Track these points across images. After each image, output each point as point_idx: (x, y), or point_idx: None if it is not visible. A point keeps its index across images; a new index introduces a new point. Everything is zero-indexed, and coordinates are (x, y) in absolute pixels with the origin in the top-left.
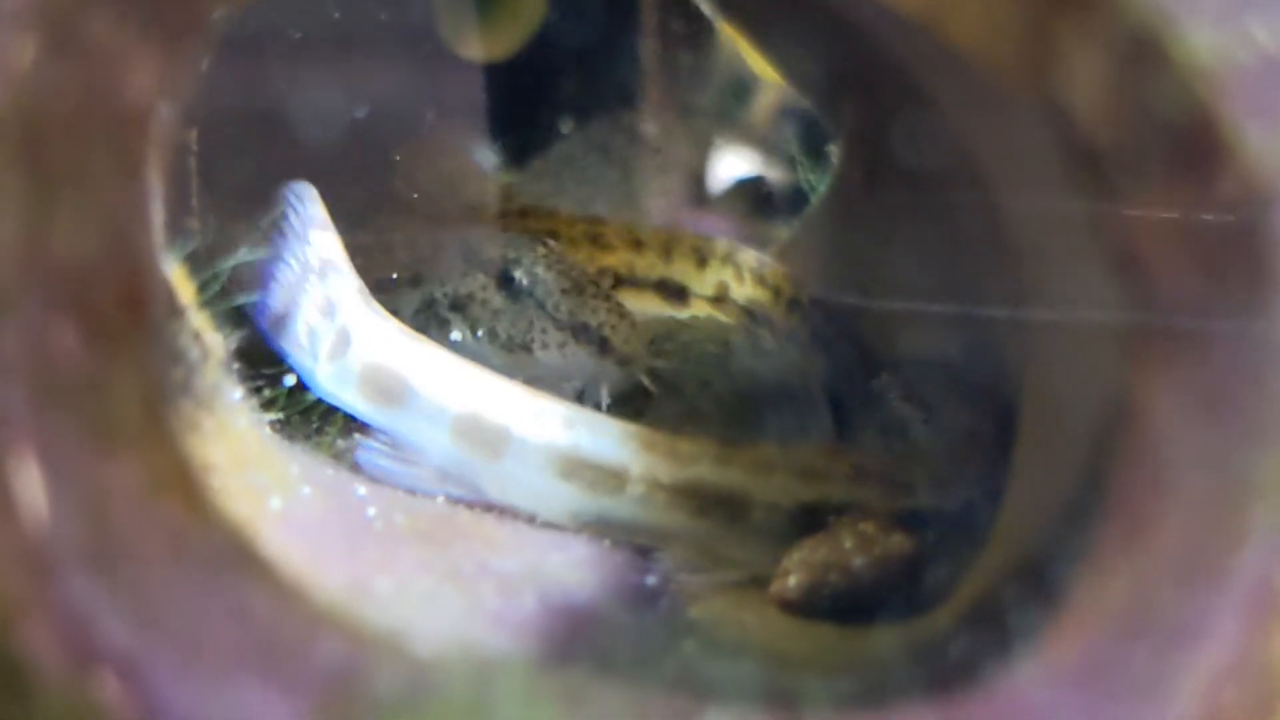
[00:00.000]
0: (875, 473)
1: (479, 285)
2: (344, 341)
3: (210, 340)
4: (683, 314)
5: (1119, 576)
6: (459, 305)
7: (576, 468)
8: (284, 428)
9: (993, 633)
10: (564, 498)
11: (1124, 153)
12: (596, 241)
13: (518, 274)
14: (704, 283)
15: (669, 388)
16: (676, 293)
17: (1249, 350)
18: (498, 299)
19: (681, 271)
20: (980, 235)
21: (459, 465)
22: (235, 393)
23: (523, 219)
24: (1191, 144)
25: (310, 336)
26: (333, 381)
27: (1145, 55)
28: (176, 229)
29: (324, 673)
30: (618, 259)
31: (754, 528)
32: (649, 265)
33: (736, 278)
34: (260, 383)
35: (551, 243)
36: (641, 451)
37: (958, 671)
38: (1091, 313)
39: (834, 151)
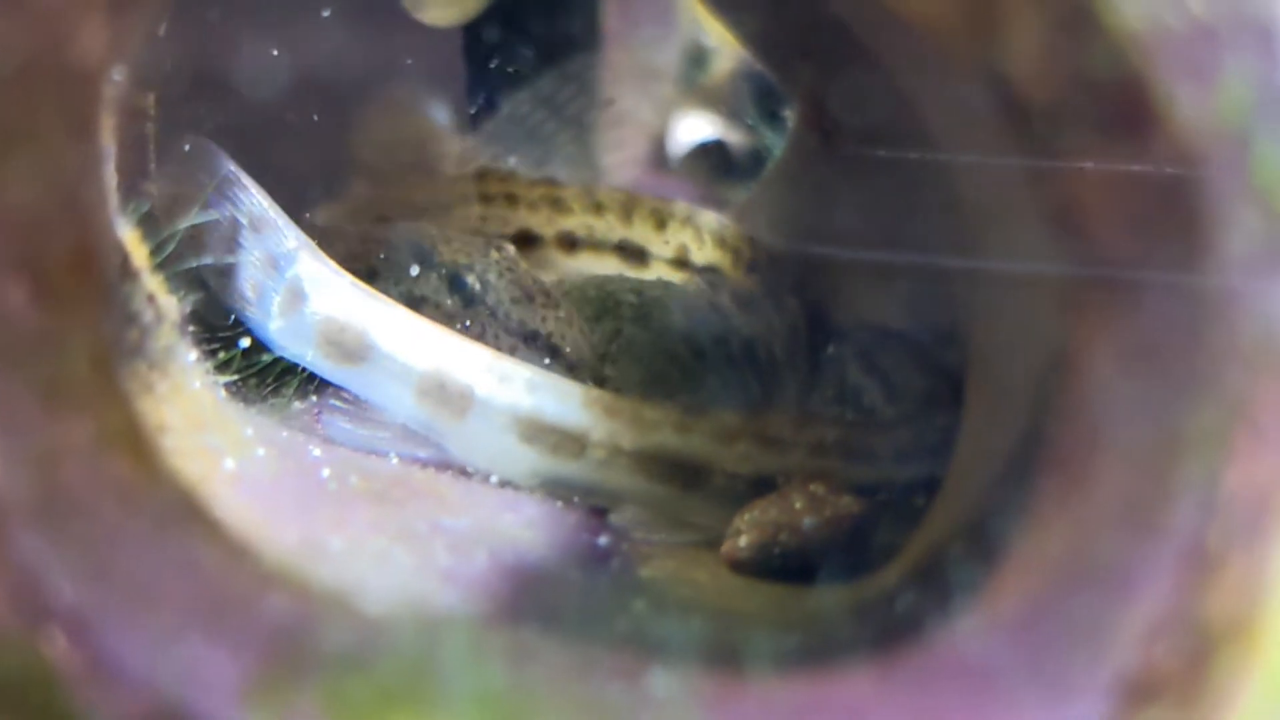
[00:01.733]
0: (836, 443)
1: (431, 288)
2: (298, 296)
3: (164, 303)
4: (643, 275)
5: (1057, 529)
6: (412, 305)
7: (539, 431)
8: (239, 390)
9: (936, 588)
10: (525, 460)
11: (1060, 115)
12: (556, 204)
13: (470, 279)
14: (664, 245)
15: (626, 361)
16: (636, 254)
17: (1183, 305)
18: (449, 302)
19: (641, 234)
20: (929, 196)
21: (422, 425)
22: (190, 355)
23: (481, 181)
24: (1124, 107)
25: (258, 291)
26: (289, 337)
27: (1080, 20)
28: (132, 193)
29: (271, 629)
30: (577, 221)
31: (714, 494)
32: (608, 227)
33: (696, 240)
34: (215, 345)
35: (506, 248)
36: (604, 417)
37: (902, 627)
38: (1031, 268)
39: (790, 115)
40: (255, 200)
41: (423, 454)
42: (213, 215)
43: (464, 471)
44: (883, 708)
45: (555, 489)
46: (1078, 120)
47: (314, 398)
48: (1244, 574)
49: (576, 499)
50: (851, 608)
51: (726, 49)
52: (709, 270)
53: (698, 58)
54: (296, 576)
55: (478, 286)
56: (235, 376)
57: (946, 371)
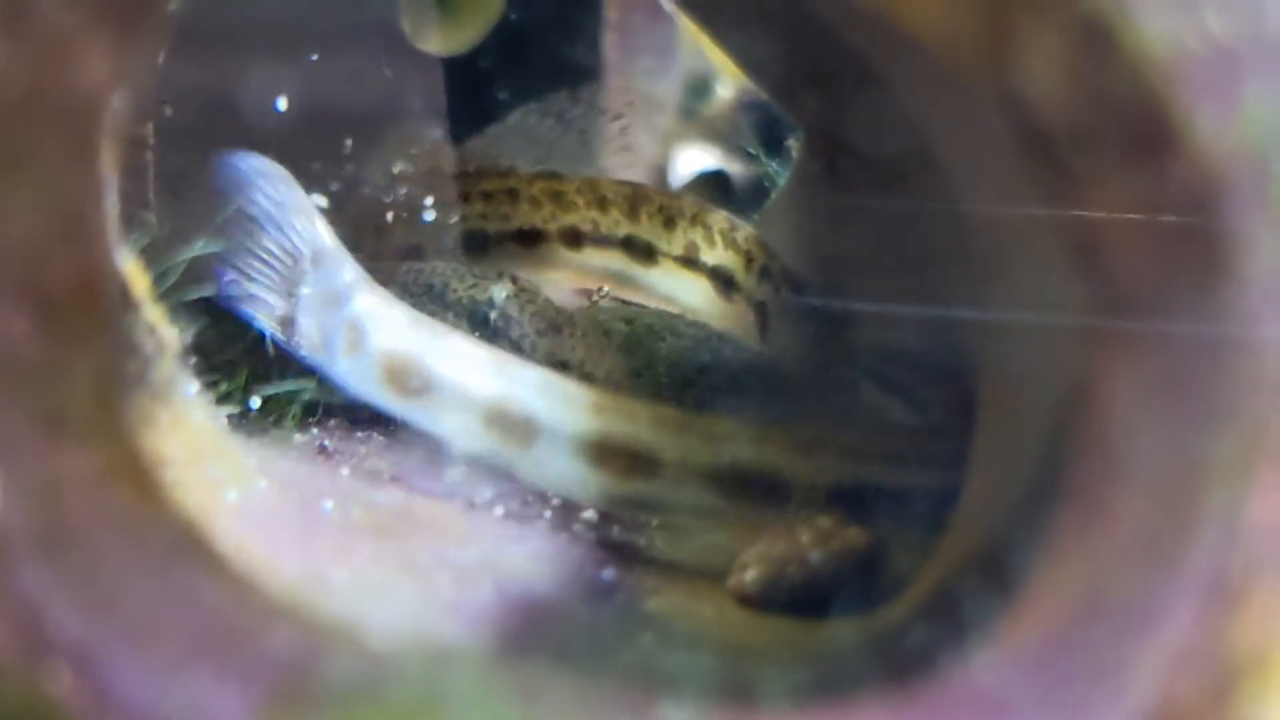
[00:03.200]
0: (907, 452)
1: (451, 323)
2: (360, 333)
3: (165, 334)
4: (651, 273)
5: (1075, 563)
6: None
7: (609, 454)
8: (241, 421)
9: (950, 622)
10: (598, 484)
11: (1078, 139)
12: (558, 199)
13: (492, 315)
14: (672, 242)
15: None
16: (644, 250)
17: (1205, 334)
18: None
19: (649, 230)
20: (940, 225)
21: (490, 454)
22: (191, 386)
23: (479, 180)
24: (1144, 131)
25: (323, 332)
26: (355, 377)
27: (1099, 42)
28: (132, 222)
29: (278, 662)
30: (580, 216)
31: (792, 508)
32: (614, 222)
33: (706, 240)
34: (216, 376)
35: (520, 279)
36: (674, 435)
37: (915, 662)
38: (1049, 300)
39: (795, 144)
40: (319, 228)
41: (499, 486)
42: (260, 248)
43: (470, 503)
44: None
45: (634, 510)
46: (1097, 144)
47: (315, 430)
48: (1267, 605)
49: (655, 519)
50: (862, 642)
51: (728, 79)
52: (719, 272)
53: (698, 88)
54: (301, 609)
55: (500, 321)
56: (236, 408)
57: (959, 397)
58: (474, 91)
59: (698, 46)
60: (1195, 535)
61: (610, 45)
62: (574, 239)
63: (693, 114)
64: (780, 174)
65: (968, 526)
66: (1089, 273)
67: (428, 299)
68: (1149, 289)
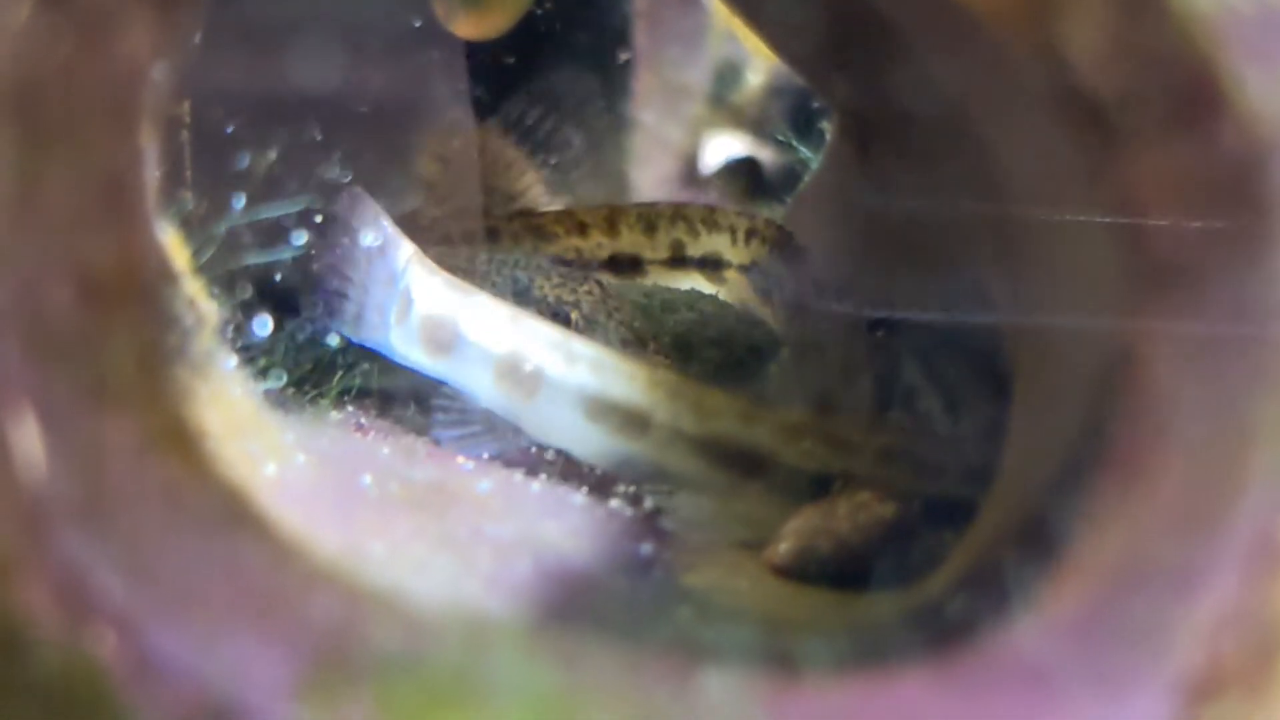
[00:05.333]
0: (903, 452)
1: None
2: (407, 303)
3: (204, 307)
4: (641, 285)
5: (1118, 529)
6: None
7: (604, 409)
8: (278, 397)
9: (990, 592)
10: (593, 438)
11: (1124, 103)
12: (538, 233)
13: (574, 315)
14: (656, 247)
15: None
16: (630, 264)
17: (1249, 296)
18: None
19: (631, 242)
20: (976, 198)
21: (501, 407)
22: (229, 360)
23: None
24: (1191, 93)
25: (380, 312)
26: (402, 343)
27: (1145, 3)
28: (170, 198)
29: (320, 629)
30: (562, 246)
31: (772, 487)
32: (596, 245)
33: (689, 233)
34: (254, 351)
35: (605, 284)
36: (667, 398)
37: (955, 631)
38: (1089, 266)
39: (827, 128)
40: (379, 220)
41: (510, 441)
42: (342, 264)
43: (508, 479)
44: (940, 708)
45: (622, 469)
46: (1142, 108)
47: (350, 407)
48: None
49: (643, 482)
50: (900, 613)
51: (758, 65)
52: (706, 260)
53: (728, 75)
54: (343, 576)
55: (582, 324)
56: (274, 384)
57: (996, 370)
58: (500, 80)
59: (728, 32)
60: (1239, 499)
61: (640, 33)
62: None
63: (722, 101)
64: (812, 159)
65: (1007, 496)
66: (1131, 243)
67: (512, 292)
68: (1193, 254)
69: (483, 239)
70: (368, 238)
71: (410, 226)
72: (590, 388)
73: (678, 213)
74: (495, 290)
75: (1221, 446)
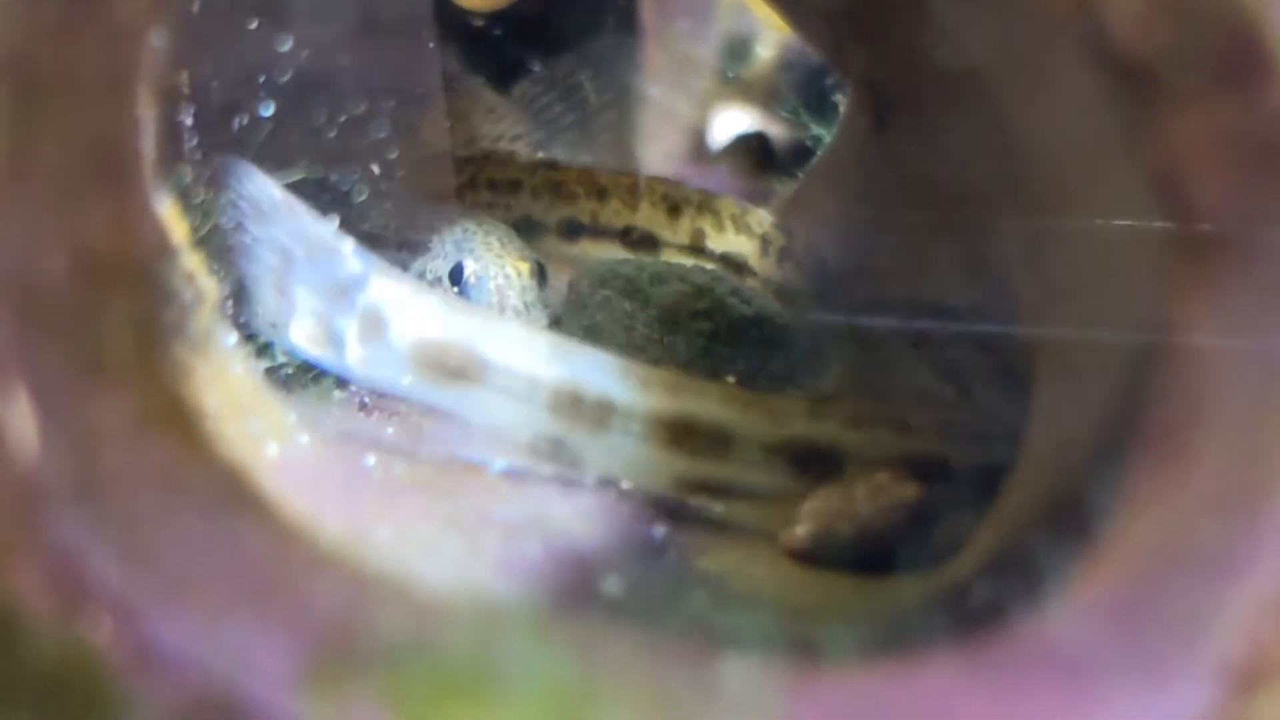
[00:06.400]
0: (960, 428)
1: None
2: (377, 323)
3: (204, 283)
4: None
5: (1155, 511)
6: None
7: (686, 435)
8: (279, 376)
9: (1019, 576)
10: (671, 467)
11: (1165, 62)
12: (558, 190)
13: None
14: (677, 231)
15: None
16: (644, 241)
17: None
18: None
19: (649, 219)
20: (998, 168)
21: (553, 440)
22: (229, 338)
23: (484, 166)
24: (1236, 52)
25: (325, 325)
26: (372, 365)
27: None
28: (168, 170)
29: (325, 616)
30: (579, 208)
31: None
32: (613, 213)
33: (715, 226)
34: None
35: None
36: (742, 412)
37: (983, 616)
38: (1123, 233)
39: (839, 101)
40: (309, 225)
41: (561, 470)
42: (256, 248)
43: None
44: (970, 696)
45: (696, 492)
46: (1185, 67)
47: (353, 387)
48: None
49: (716, 499)
50: (923, 598)
51: (767, 39)
52: (729, 259)
53: (737, 50)
54: (348, 561)
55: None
56: (274, 362)
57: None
58: (506, 53)
59: (738, 5)
60: None
61: (648, 7)
62: (571, 231)
63: (732, 76)
64: (823, 134)
65: (1033, 478)
66: (1170, 205)
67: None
68: (1235, 222)
69: (453, 197)
70: (276, 230)
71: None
72: (670, 413)
73: (706, 203)
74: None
75: (1263, 425)
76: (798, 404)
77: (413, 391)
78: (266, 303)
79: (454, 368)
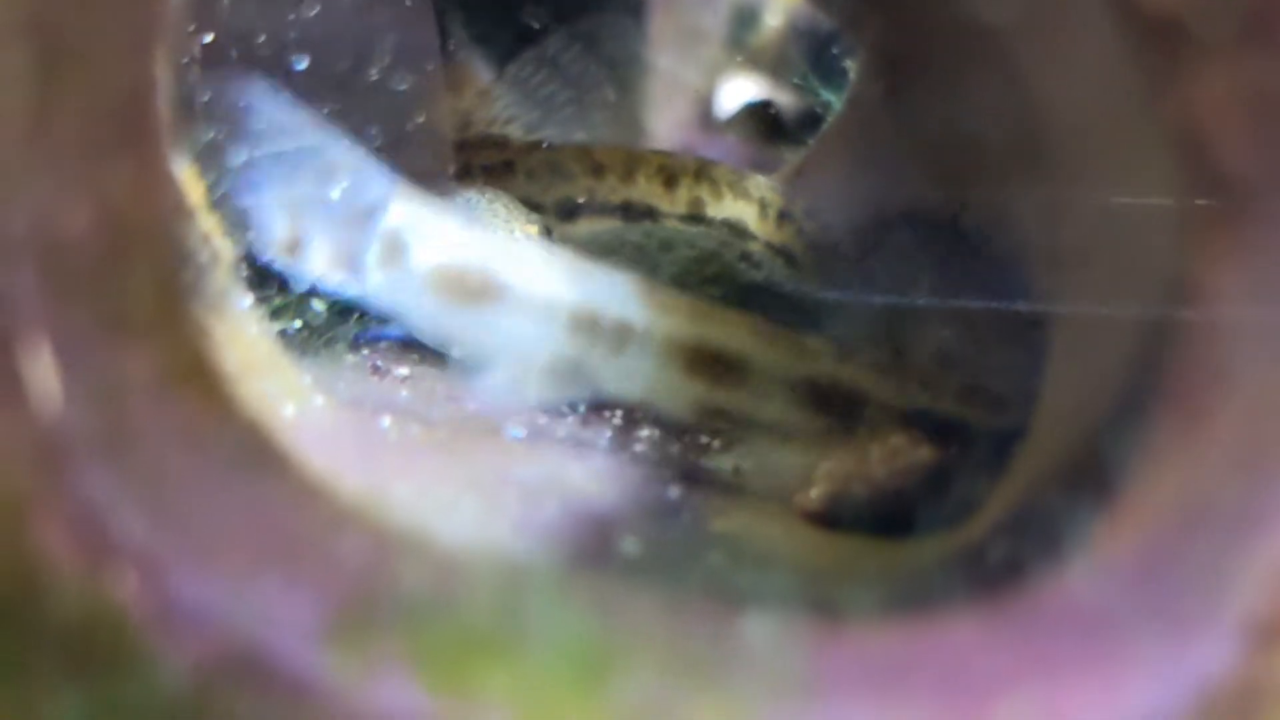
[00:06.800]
0: (978, 390)
1: None
2: (397, 248)
3: (219, 244)
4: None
5: (1177, 469)
6: None
7: (703, 361)
8: (293, 338)
9: (1038, 535)
10: (688, 391)
11: (1191, 20)
12: (554, 170)
13: None
14: (675, 201)
15: None
16: (642, 214)
17: None
18: None
19: (646, 191)
20: (1014, 129)
21: (570, 362)
22: (244, 299)
23: (477, 151)
24: (1262, 9)
25: (342, 252)
26: (391, 290)
27: None
28: (184, 133)
29: (348, 571)
30: (576, 186)
31: (865, 427)
32: (610, 189)
33: (713, 194)
34: (269, 290)
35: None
36: (766, 345)
37: (1002, 575)
38: (1145, 194)
39: (849, 68)
40: (329, 147)
41: (577, 393)
42: (271, 170)
43: (531, 421)
44: (992, 653)
45: (713, 420)
46: (1212, 21)
47: (366, 350)
48: None
49: (741, 431)
50: (940, 558)
51: (775, 7)
52: (730, 225)
53: (744, 18)
54: (370, 517)
55: None
56: (289, 323)
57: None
58: (509, 24)
59: None
60: None
61: None
62: (569, 212)
63: (740, 44)
64: (832, 101)
65: (1052, 437)
66: (1193, 164)
67: None
68: (1259, 181)
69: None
70: (331, 167)
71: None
72: (689, 337)
73: (703, 171)
74: None
75: None
76: (823, 344)
77: (428, 317)
78: (280, 227)
79: (473, 290)
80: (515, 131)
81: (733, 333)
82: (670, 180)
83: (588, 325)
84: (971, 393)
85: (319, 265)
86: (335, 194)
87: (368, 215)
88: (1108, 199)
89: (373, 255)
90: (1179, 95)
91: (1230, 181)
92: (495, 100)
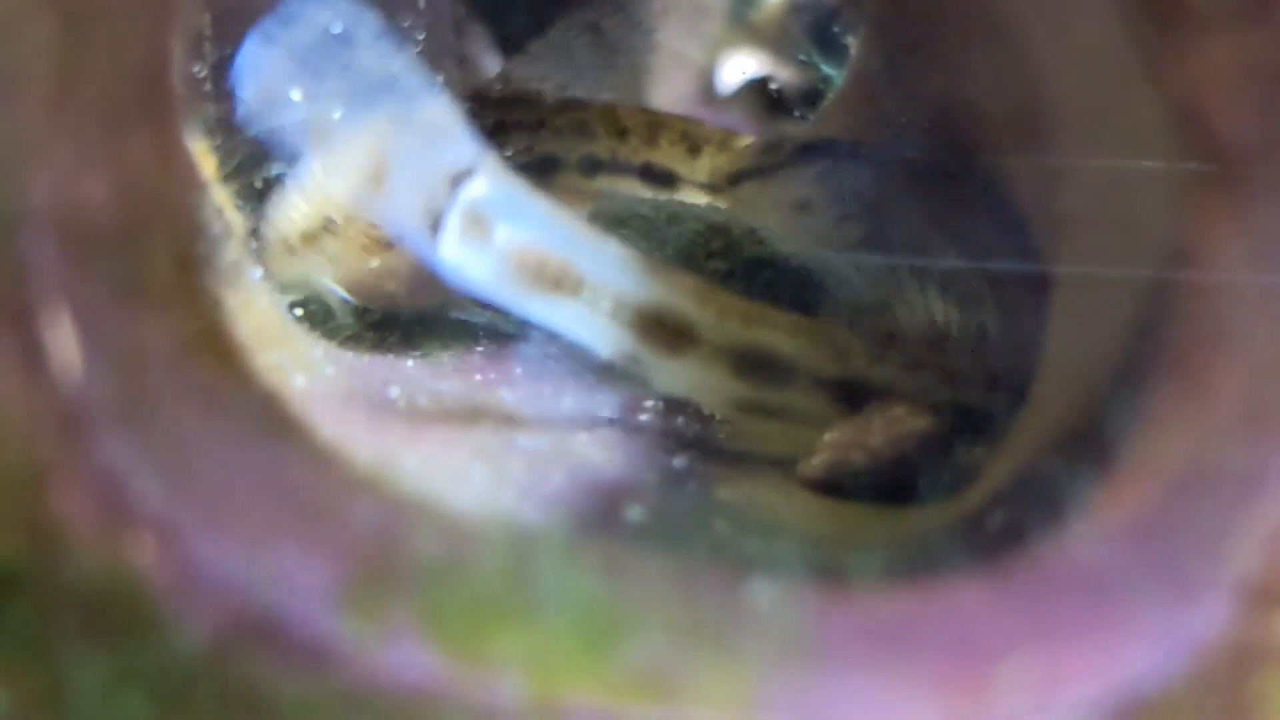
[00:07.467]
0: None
1: None
2: (482, 221)
3: (231, 217)
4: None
5: (1177, 433)
6: None
7: (754, 365)
8: (303, 312)
9: (1039, 501)
10: (732, 392)
11: None
12: (582, 130)
13: None
14: (696, 169)
15: None
16: (662, 178)
17: None
18: None
19: (669, 155)
20: (1011, 103)
21: (629, 359)
22: (256, 271)
23: (509, 108)
24: None
25: (426, 208)
26: (465, 262)
27: None
28: (193, 108)
29: (362, 536)
30: (600, 145)
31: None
32: (632, 150)
33: (733, 165)
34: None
35: None
36: (810, 345)
37: (1004, 541)
38: (1144, 162)
39: (850, 44)
40: (433, 96)
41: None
42: (375, 92)
43: (537, 392)
44: (996, 617)
45: (750, 414)
46: (1204, 2)
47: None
48: None
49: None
50: (942, 525)
51: None
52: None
53: None
54: (383, 483)
55: None
56: (299, 297)
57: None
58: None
59: None
60: None
61: None
62: (590, 168)
63: (741, 19)
64: (834, 77)
65: (1051, 403)
66: (1191, 135)
67: None
68: (1256, 149)
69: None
70: (424, 115)
71: None
72: (744, 342)
73: (726, 141)
74: None
75: None
76: (860, 344)
77: (498, 295)
78: (366, 151)
79: (550, 279)
80: (550, 90)
81: (780, 335)
82: (693, 148)
83: (653, 325)
84: (993, 382)
85: (397, 209)
86: (424, 143)
87: (454, 178)
88: (1106, 165)
89: (454, 221)
90: (1177, 67)
91: (1228, 150)
92: (535, 60)
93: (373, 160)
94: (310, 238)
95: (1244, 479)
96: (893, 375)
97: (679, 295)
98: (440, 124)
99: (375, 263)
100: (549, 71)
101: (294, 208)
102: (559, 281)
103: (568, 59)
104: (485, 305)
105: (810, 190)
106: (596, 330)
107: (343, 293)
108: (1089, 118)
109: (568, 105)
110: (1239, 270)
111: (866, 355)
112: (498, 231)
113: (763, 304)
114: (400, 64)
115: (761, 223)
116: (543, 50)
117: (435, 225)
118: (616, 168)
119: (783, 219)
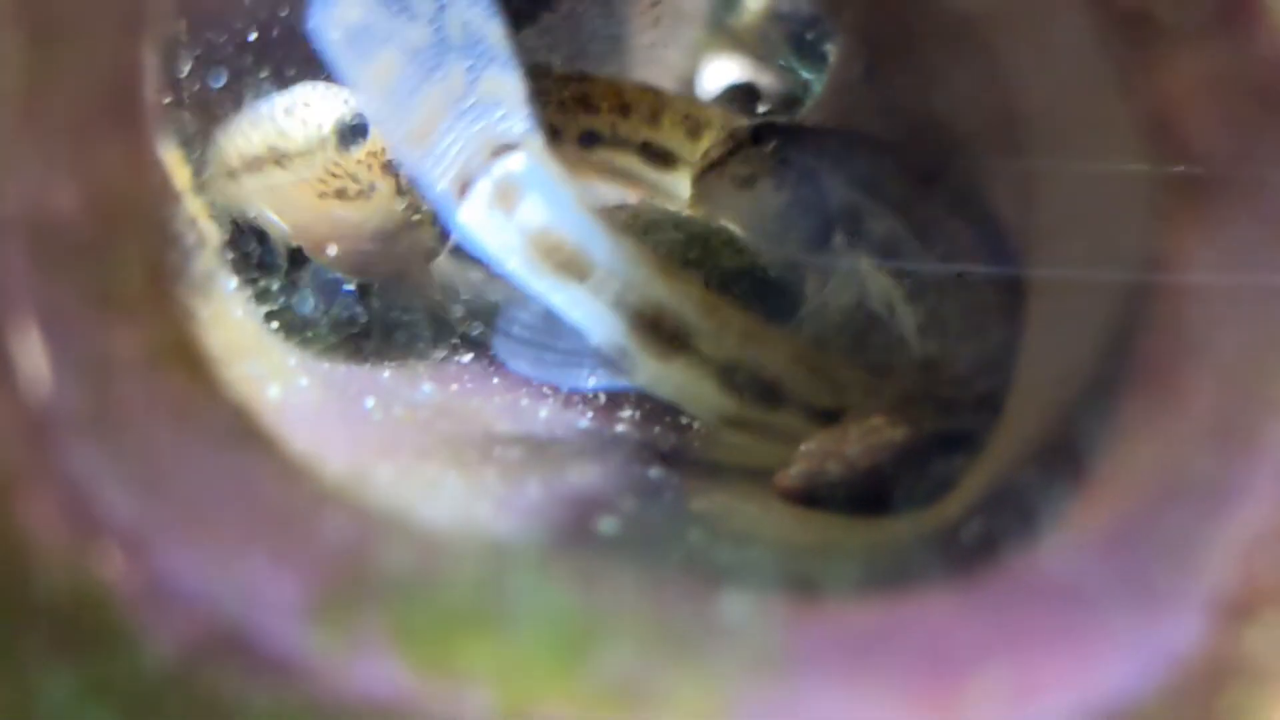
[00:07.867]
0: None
1: None
2: (511, 196)
3: (205, 227)
4: (666, 177)
5: (1148, 444)
6: None
7: (742, 381)
8: (277, 322)
9: (1012, 512)
10: (721, 406)
11: (1161, 8)
12: (584, 103)
13: None
14: (695, 151)
15: None
16: (660, 156)
17: None
18: None
19: (669, 136)
20: (989, 112)
21: (622, 353)
22: (230, 282)
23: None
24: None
25: (461, 170)
26: (485, 230)
27: None
28: (169, 117)
29: (332, 550)
30: (601, 121)
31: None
32: (633, 128)
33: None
34: (255, 274)
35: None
36: (807, 375)
37: (976, 552)
38: (1117, 172)
39: (829, 51)
40: (505, 73)
41: (614, 384)
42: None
43: (513, 403)
44: (965, 627)
45: (736, 429)
46: (1178, 15)
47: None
48: None
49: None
50: (916, 536)
51: None
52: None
53: (727, 0)
54: (354, 496)
55: None
56: (273, 306)
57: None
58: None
59: None
60: (1274, 412)
61: None
62: (589, 140)
63: (722, 25)
64: (814, 83)
65: (1025, 416)
66: (1163, 145)
67: None
68: (1226, 160)
69: None
70: (486, 83)
71: None
72: (734, 358)
73: (728, 125)
74: None
75: (1255, 358)
76: (856, 374)
77: (516, 267)
78: (421, 111)
79: (561, 261)
80: (557, 63)
81: (779, 359)
82: (694, 130)
83: (651, 322)
84: (981, 405)
85: (433, 166)
86: (482, 110)
87: (497, 149)
88: (1081, 176)
89: (484, 188)
90: (1149, 79)
91: (1199, 160)
92: (546, 32)
93: (428, 116)
94: (252, 163)
95: (1215, 491)
96: (887, 408)
97: (683, 301)
98: (501, 95)
99: (336, 211)
100: (558, 43)
101: (241, 134)
102: (569, 265)
103: (579, 32)
104: (465, 304)
105: (755, 168)
106: (594, 316)
107: (283, 225)
108: (1064, 131)
109: (572, 78)
110: (1209, 275)
111: (862, 390)
112: (522, 207)
113: (767, 326)
114: (491, 29)
115: (715, 206)
116: (553, 22)
117: (464, 189)
118: (616, 142)
119: (729, 197)
